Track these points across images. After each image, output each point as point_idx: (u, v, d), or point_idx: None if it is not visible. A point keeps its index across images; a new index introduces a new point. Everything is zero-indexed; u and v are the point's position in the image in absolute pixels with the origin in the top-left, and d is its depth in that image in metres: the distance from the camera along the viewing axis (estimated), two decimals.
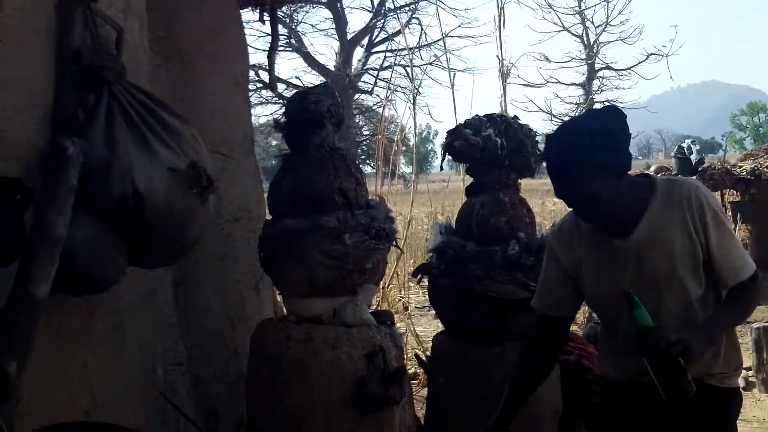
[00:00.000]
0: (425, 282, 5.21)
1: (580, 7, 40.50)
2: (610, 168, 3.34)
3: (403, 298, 11.69)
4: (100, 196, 2.77)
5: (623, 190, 3.38)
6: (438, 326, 5.21)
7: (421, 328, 10.84)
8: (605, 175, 3.34)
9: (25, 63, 2.72)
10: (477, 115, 5.09)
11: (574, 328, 10.25)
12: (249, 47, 6.52)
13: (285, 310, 4.40)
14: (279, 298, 5.45)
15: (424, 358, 4.69)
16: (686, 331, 3.29)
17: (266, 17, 6.69)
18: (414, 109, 10.96)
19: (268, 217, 4.36)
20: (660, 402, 3.40)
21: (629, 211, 3.44)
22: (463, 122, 5.06)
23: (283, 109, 4.35)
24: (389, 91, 31.59)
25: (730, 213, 17.13)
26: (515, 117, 5.17)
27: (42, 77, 2.78)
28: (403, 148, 14.54)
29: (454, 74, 10.48)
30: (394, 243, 4.32)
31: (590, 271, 3.56)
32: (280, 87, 35.06)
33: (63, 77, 2.83)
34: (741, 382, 8.64)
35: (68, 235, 2.56)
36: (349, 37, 39.92)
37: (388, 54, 39.41)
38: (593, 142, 3.34)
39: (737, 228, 16.34)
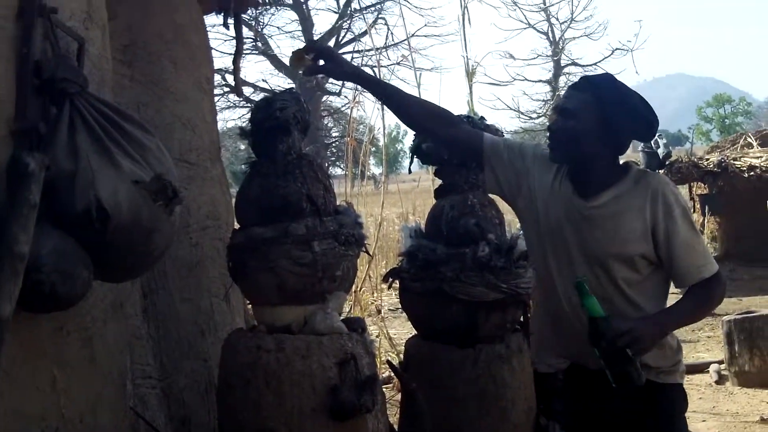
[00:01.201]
0: (397, 284, 5.20)
1: (544, 3, 40.66)
2: (603, 127, 3.50)
3: (375, 300, 11.68)
4: (64, 210, 2.73)
5: (600, 157, 3.55)
6: (411, 328, 5.20)
7: (394, 330, 10.85)
8: (594, 125, 3.49)
9: None
10: None
11: None
12: (215, 51, 6.51)
13: (255, 320, 4.37)
14: (249, 307, 5.43)
15: (396, 364, 4.68)
16: (620, 314, 3.41)
17: (230, 21, 6.66)
18: (382, 109, 10.96)
19: (236, 225, 4.32)
20: (603, 389, 3.46)
21: (597, 178, 3.56)
22: None
23: (249, 115, 4.32)
24: (357, 92, 31.58)
25: (698, 205, 17.32)
26: (482, 117, 5.16)
27: (2, 90, 2.74)
28: (373, 148, 14.54)
29: (421, 74, 10.48)
30: (364, 249, 4.30)
31: (545, 210, 3.71)
32: (248, 90, 35.02)
33: (24, 90, 2.79)
34: (714, 376, 8.77)
35: (32, 251, 2.52)
36: (315, 38, 39.88)
37: (355, 55, 39.40)
38: (620, 99, 3.58)
39: (706, 220, 16.48)
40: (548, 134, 3.70)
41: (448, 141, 4.12)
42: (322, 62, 3.93)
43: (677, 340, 3.73)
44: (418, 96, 4.15)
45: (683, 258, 3.51)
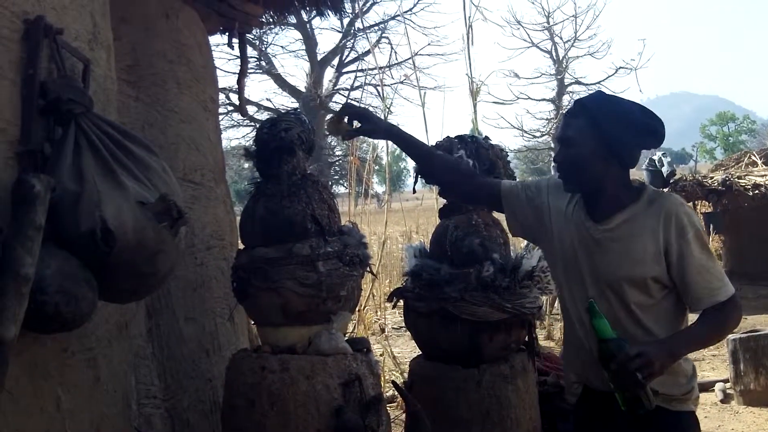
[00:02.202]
0: (401, 303, 5.18)
1: (548, 22, 40.66)
2: (605, 146, 3.47)
3: (379, 319, 11.67)
4: (69, 231, 2.73)
5: (610, 176, 3.50)
6: (415, 347, 5.19)
7: (398, 349, 10.80)
8: (596, 147, 3.48)
9: None
10: (448, 136, 5.09)
11: (551, 345, 10.26)
12: (219, 70, 6.50)
13: (259, 340, 4.37)
14: (254, 327, 5.42)
15: (400, 384, 4.66)
16: (638, 342, 3.35)
17: (235, 41, 6.67)
18: None
19: (241, 246, 4.32)
20: (614, 413, 3.43)
21: (609, 199, 3.52)
22: (434, 144, 5.05)
23: (254, 135, 4.33)
24: None
25: (702, 224, 17.24)
26: (486, 138, 5.17)
27: (8, 111, 2.75)
28: (376, 167, 14.55)
29: (425, 93, 10.46)
30: (368, 269, 4.30)
31: (559, 236, 3.67)
32: (252, 109, 35.06)
33: (29, 111, 2.79)
34: (719, 395, 8.72)
35: (37, 272, 2.52)
36: (319, 57, 39.98)
37: (358, 74, 39.48)
38: (615, 114, 3.48)
39: (710, 239, 16.41)
40: (556, 166, 3.68)
41: (470, 194, 4.14)
42: (357, 124, 3.96)
43: (693, 367, 3.63)
44: (442, 153, 4.21)
45: (697, 281, 3.41)
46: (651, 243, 3.43)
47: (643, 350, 3.22)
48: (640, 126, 3.49)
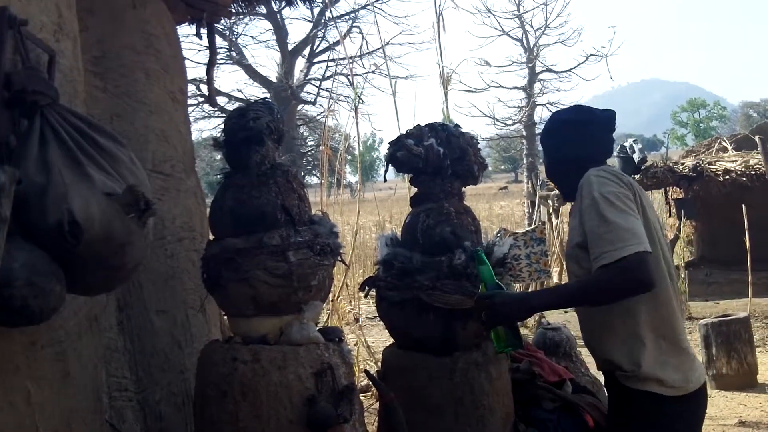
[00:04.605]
0: (374, 293, 5.17)
1: (519, 10, 40.64)
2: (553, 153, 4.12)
3: (353, 309, 11.67)
4: (36, 224, 2.70)
5: (569, 176, 3.91)
6: (389, 336, 5.18)
7: (372, 338, 10.83)
8: (551, 156, 4.14)
9: None
10: (418, 124, 5.07)
11: (524, 332, 10.29)
12: (189, 61, 6.49)
13: (231, 331, 4.35)
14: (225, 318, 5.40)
15: (374, 374, 4.66)
16: None
17: (204, 32, 6.63)
18: (357, 117, 10.97)
19: (211, 237, 4.30)
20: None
21: (569, 189, 3.85)
22: (405, 132, 5.03)
23: (223, 125, 4.30)
24: (332, 101, 31.64)
25: (674, 210, 17.34)
26: (457, 125, 5.15)
27: None
28: (348, 157, 14.55)
29: (396, 82, 10.47)
30: (340, 258, 4.29)
31: None
32: (222, 100, 34.94)
33: None
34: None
35: (3, 265, 2.49)
36: (290, 47, 39.86)
37: (329, 63, 39.41)
38: (546, 130, 4.18)
39: (681, 225, 16.49)
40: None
41: None
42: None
43: (654, 354, 3.56)
44: None
45: (590, 247, 3.48)
46: (575, 219, 3.70)
47: (492, 295, 3.57)
48: (551, 128, 4.12)
